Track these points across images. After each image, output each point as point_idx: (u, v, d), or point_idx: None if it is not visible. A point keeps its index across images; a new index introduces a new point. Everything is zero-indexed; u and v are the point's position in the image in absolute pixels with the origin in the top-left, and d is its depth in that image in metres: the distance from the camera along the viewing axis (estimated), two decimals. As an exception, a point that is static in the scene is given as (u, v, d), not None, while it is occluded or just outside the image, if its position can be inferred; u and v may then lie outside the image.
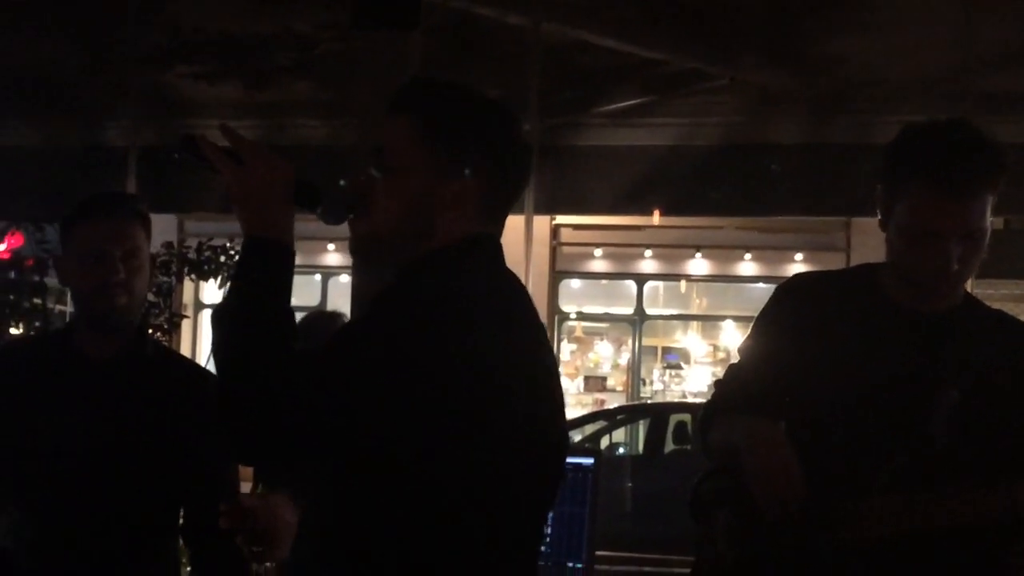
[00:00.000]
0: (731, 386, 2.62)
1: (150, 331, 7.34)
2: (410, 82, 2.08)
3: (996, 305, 2.86)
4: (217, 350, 1.95)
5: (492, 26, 7.57)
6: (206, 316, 14.43)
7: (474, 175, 1.98)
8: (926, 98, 7.72)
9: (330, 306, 17.39)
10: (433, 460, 1.90)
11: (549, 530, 3.90)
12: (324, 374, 1.86)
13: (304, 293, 17.69)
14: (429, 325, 1.89)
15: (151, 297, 7.66)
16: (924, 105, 7.43)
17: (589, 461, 3.96)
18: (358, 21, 6.32)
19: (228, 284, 2.02)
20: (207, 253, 7.90)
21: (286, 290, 1.96)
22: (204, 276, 7.95)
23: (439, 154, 1.99)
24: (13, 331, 7.68)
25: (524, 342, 2.02)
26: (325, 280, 17.46)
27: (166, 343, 7.62)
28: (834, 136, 9.20)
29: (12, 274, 7.81)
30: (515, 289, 2.06)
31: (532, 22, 6.88)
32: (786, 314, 2.61)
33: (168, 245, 7.88)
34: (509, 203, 2.08)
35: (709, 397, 2.69)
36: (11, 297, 7.72)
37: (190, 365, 3.17)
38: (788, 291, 2.64)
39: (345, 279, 16.47)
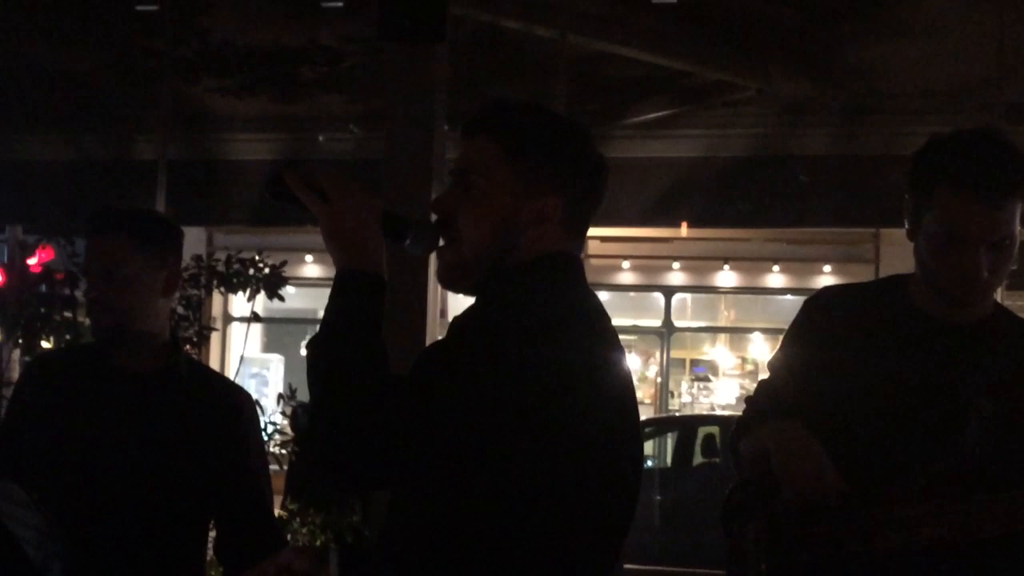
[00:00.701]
0: (762, 401, 2.62)
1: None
2: (488, 103, 2.07)
3: None
4: (313, 382, 1.95)
5: (518, 38, 7.57)
6: (235, 329, 14.49)
7: (555, 193, 1.99)
8: (955, 108, 7.69)
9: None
10: (520, 479, 1.90)
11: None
12: (419, 400, 1.86)
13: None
14: (516, 344, 1.88)
15: (180, 310, 7.66)
16: (953, 115, 7.40)
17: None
18: (385, 34, 6.33)
19: (322, 313, 2.03)
20: (236, 266, 7.90)
21: (378, 320, 1.97)
22: (233, 289, 7.94)
23: (522, 174, 2.00)
24: (44, 344, 7.71)
25: (605, 360, 2.01)
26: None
27: (195, 355, 7.64)
28: (862, 147, 9.17)
29: (43, 287, 7.83)
30: (595, 306, 2.05)
31: (559, 34, 6.89)
32: (816, 327, 2.60)
33: (197, 258, 7.88)
34: (588, 220, 2.08)
35: (740, 413, 2.68)
36: (42, 310, 7.75)
37: (222, 381, 3.17)
38: (817, 304, 2.63)
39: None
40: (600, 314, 2.05)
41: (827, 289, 2.75)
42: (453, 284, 2.09)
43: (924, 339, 2.52)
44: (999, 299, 2.73)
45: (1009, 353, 2.56)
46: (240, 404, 2.97)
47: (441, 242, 2.06)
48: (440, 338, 2.01)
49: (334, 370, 1.93)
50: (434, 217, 2.07)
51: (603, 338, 2.03)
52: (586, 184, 2.04)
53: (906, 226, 2.56)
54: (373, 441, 1.86)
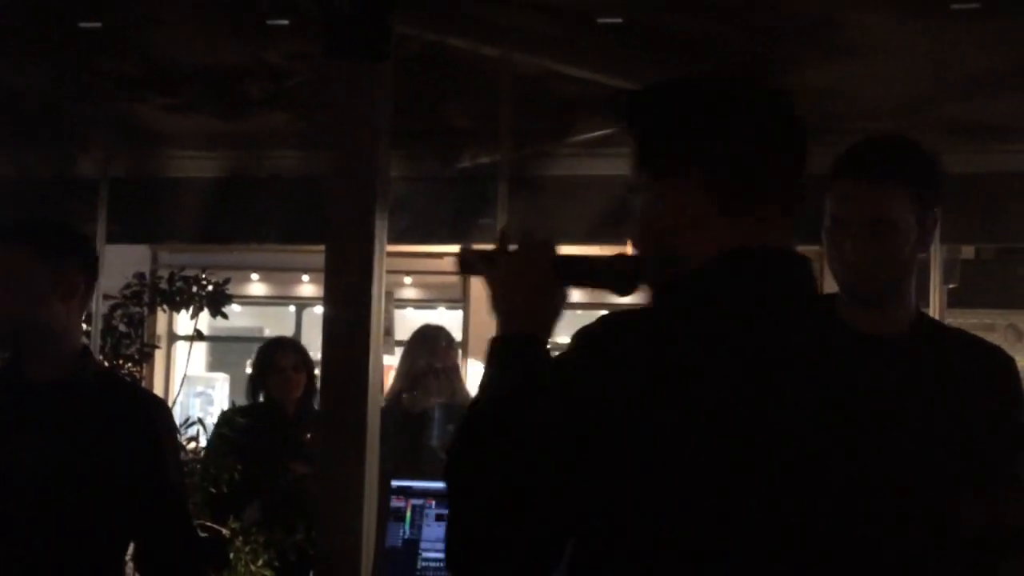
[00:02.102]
0: None
1: (119, 361, 7.30)
2: (630, 97, 1.86)
3: None
4: (471, 454, 1.78)
5: (464, 57, 7.58)
6: (180, 347, 14.38)
7: (691, 177, 1.76)
8: (898, 127, 7.76)
9: (304, 337, 17.35)
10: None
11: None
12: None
13: (278, 324, 17.67)
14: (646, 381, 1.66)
15: (122, 327, 7.61)
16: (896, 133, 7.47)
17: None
18: (330, 52, 6.33)
19: (485, 386, 1.87)
20: (179, 283, 7.86)
21: (524, 379, 1.81)
22: (176, 307, 7.92)
23: (656, 169, 1.79)
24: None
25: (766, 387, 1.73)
26: (299, 311, 17.45)
27: (137, 373, 7.57)
28: (809, 166, 9.24)
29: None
30: (759, 315, 1.74)
31: (504, 53, 6.89)
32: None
33: (140, 276, 7.84)
34: (766, 195, 1.76)
35: None
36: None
37: (135, 390, 3.16)
38: None
39: (319, 310, 16.47)
40: (763, 325, 1.71)
41: None
42: None
43: (849, 352, 2.54)
44: (939, 316, 2.77)
45: (934, 363, 2.58)
46: (153, 413, 2.96)
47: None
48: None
49: (499, 450, 1.72)
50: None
51: (760, 363, 1.71)
52: (744, 156, 1.76)
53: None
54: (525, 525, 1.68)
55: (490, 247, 1.98)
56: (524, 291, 1.83)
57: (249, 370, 15.87)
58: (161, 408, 3.10)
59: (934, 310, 9.01)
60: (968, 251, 10.67)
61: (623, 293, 1.99)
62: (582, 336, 1.77)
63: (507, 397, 1.77)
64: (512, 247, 1.95)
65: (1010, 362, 2.86)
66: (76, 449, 2.87)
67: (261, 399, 7.90)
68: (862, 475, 1.71)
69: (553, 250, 1.91)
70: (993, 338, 13.15)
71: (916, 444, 2.47)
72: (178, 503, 2.99)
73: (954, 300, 10.15)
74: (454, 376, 7.45)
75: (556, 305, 1.84)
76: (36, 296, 2.94)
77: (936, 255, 8.73)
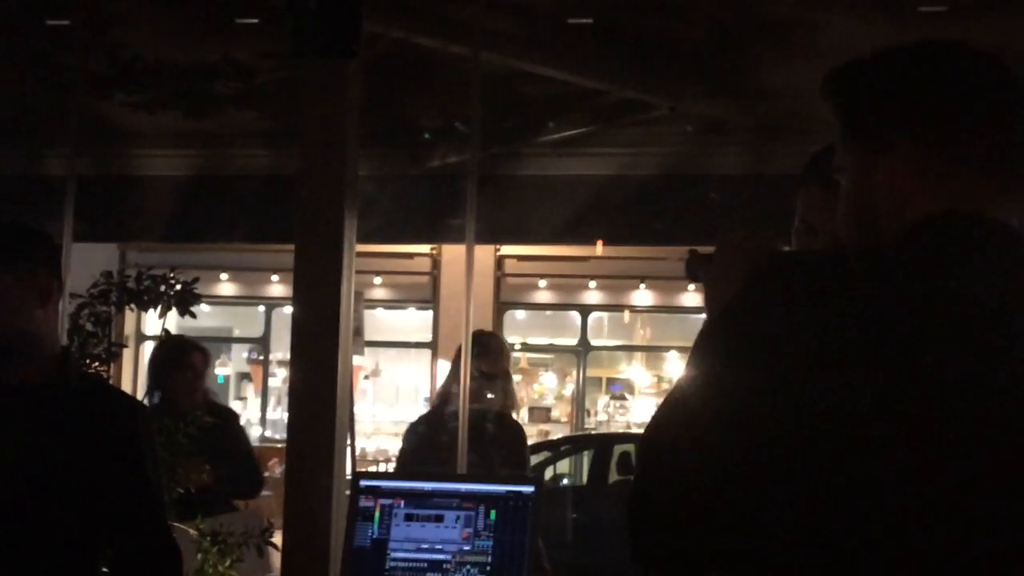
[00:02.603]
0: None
1: (87, 361, 7.24)
2: (829, 75, 1.82)
3: None
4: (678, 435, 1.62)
5: (433, 55, 7.57)
6: (148, 347, 14.31)
7: (897, 154, 1.67)
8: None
9: (274, 338, 17.32)
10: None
11: (489, 558, 3.89)
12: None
13: (247, 324, 17.61)
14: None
15: (89, 327, 7.54)
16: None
17: (529, 489, 3.96)
18: (299, 49, 6.31)
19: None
20: (147, 282, 7.80)
21: None
22: (144, 306, 7.84)
23: (860, 150, 1.72)
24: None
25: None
26: (269, 311, 17.39)
27: (104, 373, 7.51)
28: (774, 166, 9.27)
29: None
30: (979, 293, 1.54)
31: (472, 52, 6.89)
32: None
33: (107, 274, 7.77)
34: (976, 163, 1.63)
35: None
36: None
37: (114, 392, 3.13)
38: None
39: (288, 310, 16.45)
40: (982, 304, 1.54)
41: None
42: None
43: None
44: None
45: None
46: (133, 417, 2.94)
47: None
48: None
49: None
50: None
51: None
52: (953, 115, 1.66)
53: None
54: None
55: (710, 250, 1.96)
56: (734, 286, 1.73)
57: (221, 370, 15.73)
58: (141, 412, 3.08)
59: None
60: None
61: None
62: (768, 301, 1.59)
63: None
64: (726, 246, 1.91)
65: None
66: (55, 452, 2.85)
67: (157, 399, 7.74)
68: None
69: (770, 248, 1.85)
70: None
71: None
72: (155, 507, 2.98)
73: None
74: (505, 382, 7.41)
75: None
76: (12, 303, 2.91)
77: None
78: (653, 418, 1.64)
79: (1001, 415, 1.52)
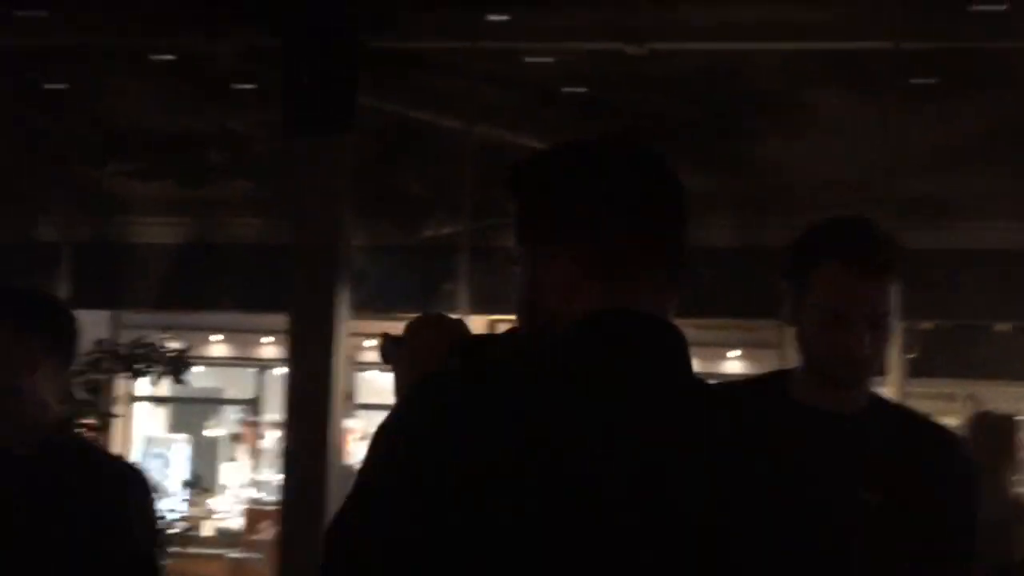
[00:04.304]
0: None
1: (81, 430, 7.25)
2: (511, 171, 1.82)
3: (928, 404, 2.90)
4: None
5: (426, 128, 7.64)
6: (139, 407, 14.27)
7: (564, 248, 1.70)
8: (852, 202, 7.85)
9: (265, 399, 17.31)
10: None
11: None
12: None
13: (239, 385, 17.58)
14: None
15: (83, 395, 7.56)
16: (850, 209, 7.56)
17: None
18: (291, 128, 6.37)
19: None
20: (140, 351, 7.84)
21: None
22: (137, 374, 7.88)
23: (532, 241, 1.74)
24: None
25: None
26: (261, 372, 17.35)
27: (97, 441, 7.53)
28: (763, 239, 9.32)
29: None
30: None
31: (465, 125, 6.96)
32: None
33: (100, 343, 7.80)
34: (637, 260, 1.70)
35: None
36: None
37: (109, 460, 3.13)
38: None
39: (280, 372, 16.41)
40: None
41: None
42: None
43: (804, 431, 2.56)
44: (901, 387, 2.79)
45: (891, 442, 2.60)
46: (126, 485, 2.94)
47: None
48: None
49: None
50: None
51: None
52: (607, 219, 1.69)
53: (785, 313, 2.61)
54: None
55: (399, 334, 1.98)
56: (419, 372, 1.76)
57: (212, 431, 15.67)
58: (135, 478, 3.07)
59: (895, 379, 9.07)
60: (928, 325, 10.74)
61: None
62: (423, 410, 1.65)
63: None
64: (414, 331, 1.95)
65: (958, 443, 2.88)
66: (45, 521, 2.85)
67: None
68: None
69: (463, 330, 1.89)
70: (953, 408, 13.13)
71: (872, 523, 2.50)
72: (148, 573, 2.98)
73: (914, 369, 10.20)
74: None
75: None
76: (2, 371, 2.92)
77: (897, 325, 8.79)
78: (340, 507, 1.67)
79: (643, 524, 1.58)
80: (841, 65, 7.35)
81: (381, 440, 1.63)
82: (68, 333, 2.98)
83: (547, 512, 1.55)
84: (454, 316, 1.90)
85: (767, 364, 13.03)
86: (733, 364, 14.47)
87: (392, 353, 1.94)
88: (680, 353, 1.71)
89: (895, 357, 9.08)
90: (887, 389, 8.82)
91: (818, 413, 2.57)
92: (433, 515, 1.55)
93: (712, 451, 1.66)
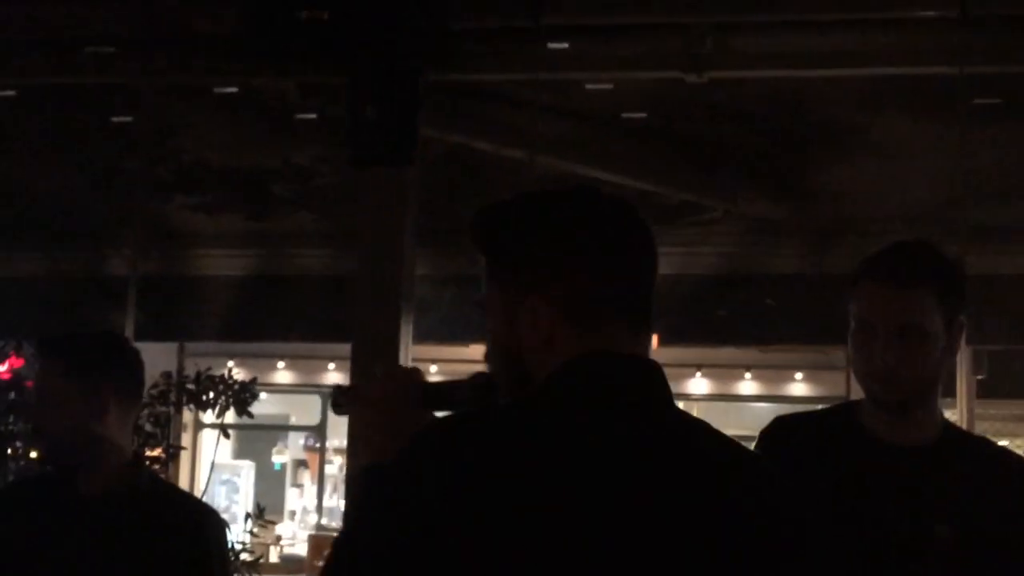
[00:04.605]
0: None
1: (147, 462, 7.31)
2: (476, 218, 1.87)
3: (998, 425, 2.86)
4: None
5: (488, 159, 7.67)
6: (206, 435, 14.35)
7: (541, 296, 1.74)
8: (921, 229, 7.80)
9: (330, 425, 17.40)
10: None
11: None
12: None
13: (304, 411, 17.69)
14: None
15: (148, 427, 7.63)
16: (914, 235, 7.50)
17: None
18: (357, 160, 6.43)
19: None
20: (206, 382, 7.89)
21: None
22: (203, 406, 7.94)
23: (507, 289, 1.78)
24: (12, 452, 7.64)
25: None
26: (325, 399, 17.44)
27: (164, 472, 7.59)
28: (831, 266, 9.25)
29: (12, 395, 7.81)
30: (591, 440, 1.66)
31: (527, 155, 6.98)
32: (775, 460, 2.61)
33: (167, 375, 7.87)
34: (611, 307, 1.75)
35: None
36: (10, 422, 7.70)
37: (185, 499, 3.16)
38: (771, 437, 2.65)
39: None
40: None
41: (779, 420, 2.76)
42: None
43: (874, 464, 2.54)
44: (967, 408, 2.76)
45: (962, 474, 2.57)
46: (203, 523, 2.97)
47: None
48: None
49: None
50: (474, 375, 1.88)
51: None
52: (587, 269, 1.77)
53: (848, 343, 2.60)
54: None
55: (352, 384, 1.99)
56: (391, 420, 1.82)
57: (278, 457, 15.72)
58: (211, 517, 3.09)
59: (962, 401, 8.98)
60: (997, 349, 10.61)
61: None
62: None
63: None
64: (374, 380, 1.97)
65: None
66: (123, 563, 2.88)
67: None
68: None
69: (418, 378, 1.92)
70: (1021, 429, 13.00)
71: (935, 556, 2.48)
72: None
73: (983, 391, 10.11)
74: None
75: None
76: (71, 416, 2.96)
77: (963, 347, 8.71)
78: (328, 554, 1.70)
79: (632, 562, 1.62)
80: (905, 91, 7.31)
81: (387, 488, 1.66)
82: (136, 374, 3.02)
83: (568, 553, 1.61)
84: (410, 366, 1.94)
85: (833, 386, 12.99)
86: (799, 386, 14.39)
87: (344, 403, 1.97)
88: (665, 388, 1.78)
89: (963, 379, 9.00)
90: (955, 411, 8.74)
91: (887, 444, 2.55)
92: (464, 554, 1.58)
93: (716, 475, 1.71)
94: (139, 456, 3.05)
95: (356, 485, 1.71)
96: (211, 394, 7.88)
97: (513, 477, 1.62)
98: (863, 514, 2.48)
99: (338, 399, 1.99)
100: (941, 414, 2.66)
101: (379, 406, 1.86)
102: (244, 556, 7.68)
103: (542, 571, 1.60)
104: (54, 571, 2.86)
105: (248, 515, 7.94)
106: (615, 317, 1.76)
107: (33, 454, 7.11)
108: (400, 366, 1.94)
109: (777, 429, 2.66)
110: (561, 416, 1.69)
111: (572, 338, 1.73)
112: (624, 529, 1.63)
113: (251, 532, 7.89)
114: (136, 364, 3.04)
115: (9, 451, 7.56)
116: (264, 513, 7.96)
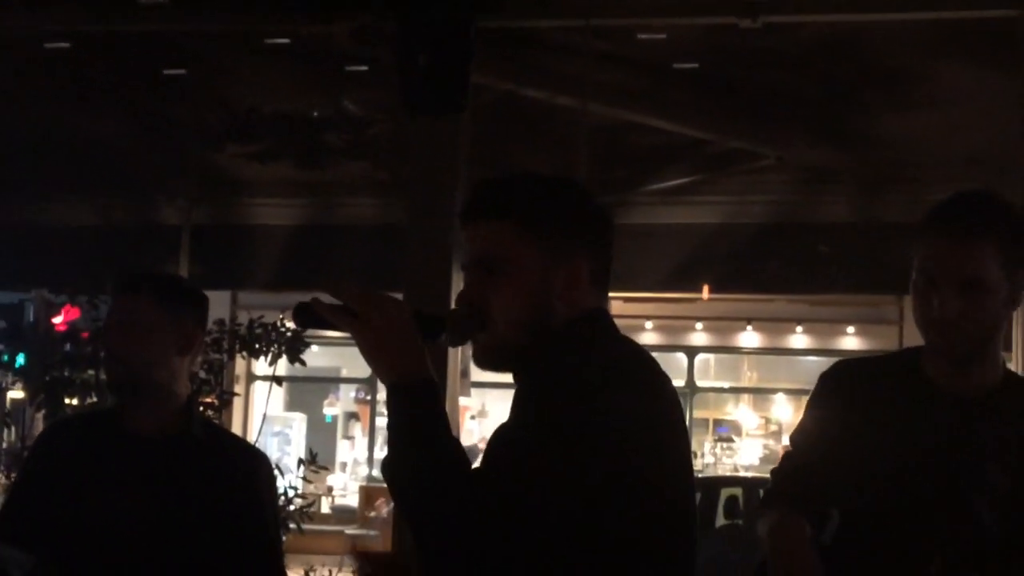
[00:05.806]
0: (786, 476, 2.63)
1: (201, 408, 7.37)
2: (483, 186, 2.14)
3: None
4: (402, 506, 2.02)
5: (540, 107, 7.64)
6: (258, 387, 14.49)
7: (580, 255, 2.08)
8: (975, 175, 7.71)
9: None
10: (615, 538, 1.94)
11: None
12: (510, 489, 1.89)
13: (355, 364, 17.79)
14: (583, 406, 1.93)
15: (202, 374, 7.69)
16: (973, 182, 7.42)
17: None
18: (408, 106, 6.41)
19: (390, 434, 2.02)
20: (258, 331, 7.93)
21: (442, 423, 1.98)
22: (255, 354, 7.97)
23: (545, 246, 2.07)
24: (69, 401, 7.73)
25: (658, 404, 2.06)
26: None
27: (217, 420, 7.65)
28: (883, 214, 9.18)
29: (68, 346, 7.89)
30: (637, 353, 2.10)
31: (580, 103, 6.94)
32: (832, 403, 2.61)
33: (220, 323, 7.91)
34: (609, 274, 2.16)
35: (768, 487, 2.69)
36: (65, 373, 7.78)
37: (239, 444, 3.18)
38: (832, 379, 2.65)
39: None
40: (644, 360, 2.10)
41: (841, 364, 2.75)
42: (494, 366, 2.12)
43: (933, 411, 2.53)
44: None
45: (1019, 422, 2.55)
46: (256, 468, 2.99)
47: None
48: (505, 421, 2.01)
49: (418, 491, 1.96)
50: (463, 307, 2.07)
51: (651, 385, 2.08)
52: (603, 239, 2.13)
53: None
54: (479, 546, 1.90)
55: (343, 299, 2.05)
56: (403, 338, 1.98)
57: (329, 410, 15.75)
58: (262, 462, 3.11)
59: (1019, 351, 8.91)
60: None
61: (459, 343, 2.16)
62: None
63: (434, 447, 1.98)
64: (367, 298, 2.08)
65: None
66: (181, 505, 2.89)
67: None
68: None
69: (407, 308, 2.04)
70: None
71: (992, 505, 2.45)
72: (274, 559, 3.03)
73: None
74: None
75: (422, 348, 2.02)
76: (158, 347, 2.97)
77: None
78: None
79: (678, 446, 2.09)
80: (963, 35, 7.20)
81: (589, 403, 1.96)
82: (206, 316, 3.04)
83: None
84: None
85: (886, 341, 12.92)
86: (851, 340, 14.33)
87: (305, 319, 2.04)
88: None
89: (1020, 328, 8.92)
90: (1011, 362, 8.66)
91: (947, 393, 2.54)
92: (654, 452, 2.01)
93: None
94: (191, 399, 3.06)
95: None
96: (263, 343, 7.92)
97: (664, 383, 2.09)
98: (916, 459, 2.47)
99: (317, 311, 2.06)
100: (1003, 363, 2.63)
101: (390, 330, 1.99)
102: (297, 501, 7.72)
103: (682, 454, 2.08)
104: (105, 513, 2.88)
105: (300, 461, 7.97)
106: (606, 283, 2.16)
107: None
108: (390, 296, 2.02)
109: (837, 371, 2.65)
110: (635, 344, 2.13)
111: (592, 295, 2.10)
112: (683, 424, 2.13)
113: (303, 478, 7.93)
114: (206, 307, 3.07)
115: (66, 399, 7.64)
116: (316, 459, 8.00)
